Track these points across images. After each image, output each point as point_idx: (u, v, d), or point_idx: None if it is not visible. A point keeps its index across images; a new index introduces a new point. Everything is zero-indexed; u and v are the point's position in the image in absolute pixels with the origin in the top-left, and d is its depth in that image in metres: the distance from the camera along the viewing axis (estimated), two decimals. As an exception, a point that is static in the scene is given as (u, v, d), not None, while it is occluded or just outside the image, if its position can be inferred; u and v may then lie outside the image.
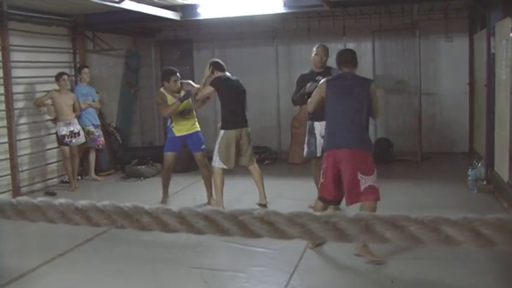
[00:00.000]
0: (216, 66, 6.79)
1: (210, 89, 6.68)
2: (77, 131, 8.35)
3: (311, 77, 6.28)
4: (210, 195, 7.05)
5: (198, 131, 7.13)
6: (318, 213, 0.70)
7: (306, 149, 6.37)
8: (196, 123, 7.18)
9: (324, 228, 0.69)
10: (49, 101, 8.18)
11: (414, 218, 0.67)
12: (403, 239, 0.67)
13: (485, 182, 7.30)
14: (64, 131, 8.17)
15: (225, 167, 6.60)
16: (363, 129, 4.93)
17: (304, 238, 0.72)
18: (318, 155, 6.09)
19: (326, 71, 6.29)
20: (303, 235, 0.71)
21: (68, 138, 8.21)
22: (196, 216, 0.74)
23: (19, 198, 0.87)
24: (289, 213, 0.71)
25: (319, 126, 6.06)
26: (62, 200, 0.85)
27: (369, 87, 5.02)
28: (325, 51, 6.42)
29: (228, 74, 6.84)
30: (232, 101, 6.68)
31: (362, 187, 4.69)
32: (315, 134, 6.20)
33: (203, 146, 7.08)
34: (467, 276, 4.45)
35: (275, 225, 0.71)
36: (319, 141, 6.05)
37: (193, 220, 0.74)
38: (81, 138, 8.48)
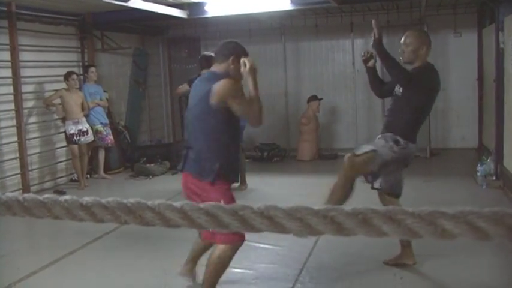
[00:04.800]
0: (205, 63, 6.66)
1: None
2: (85, 129, 8.39)
3: None
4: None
5: None
6: (316, 207, 0.71)
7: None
8: None
9: (322, 222, 0.70)
10: (58, 100, 8.22)
11: (411, 212, 0.68)
12: (400, 232, 0.68)
13: (494, 178, 7.27)
14: (72, 129, 8.22)
15: None
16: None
17: (304, 232, 0.73)
18: None
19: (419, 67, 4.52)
20: (302, 229, 0.72)
21: (76, 136, 8.25)
22: (197, 211, 0.75)
23: (25, 195, 0.88)
24: (289, 207, 0.72)
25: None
26: (66, 197, 0.87)
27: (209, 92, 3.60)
28: (410, 39, 4.49)
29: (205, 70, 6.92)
30: None
31: None
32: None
33: None
34: (478, 272, 4.44)
35: (274, 220, 0.72)
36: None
37: (194, 215, 0.75)
38: (90, 137, 8.51)
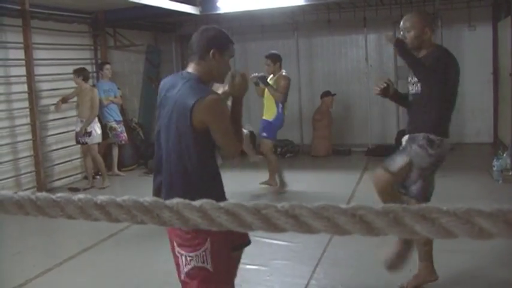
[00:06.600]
0: None
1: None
2: (89, 130, 8.00)
3: None
4: (271, 179, 7.37)
5: (263, 119, 7.33)
6: (344, 206, 0.68)
7: None
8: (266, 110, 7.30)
9: (350, 221, 0.66)
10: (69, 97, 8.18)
11: (446, 210, 0.64)
12: (434, 232, 0.64)
13: (510, 173, 7.19)
14: (78, 129, 8.09)
15: None
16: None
17: (330, 232, 0.69)
18: None
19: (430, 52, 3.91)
20: (329, 229, 0.68)
21: (80, 137, 8.05)
22: (218, 210, 0.72)
23: (38, 194, 0.86)
24: (315, 206, 0.69)
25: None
26: (80, 196, 0.84)
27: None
28: (410, 21, 3.91)
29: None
30: None
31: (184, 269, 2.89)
32: None
33: (263, 134, 7.25)
34: (494, 269, 4.38)
35: (300, 219, 0.69)
36: None
37: (214, 214, 0.72)
38: (95, 138, 8.10)
